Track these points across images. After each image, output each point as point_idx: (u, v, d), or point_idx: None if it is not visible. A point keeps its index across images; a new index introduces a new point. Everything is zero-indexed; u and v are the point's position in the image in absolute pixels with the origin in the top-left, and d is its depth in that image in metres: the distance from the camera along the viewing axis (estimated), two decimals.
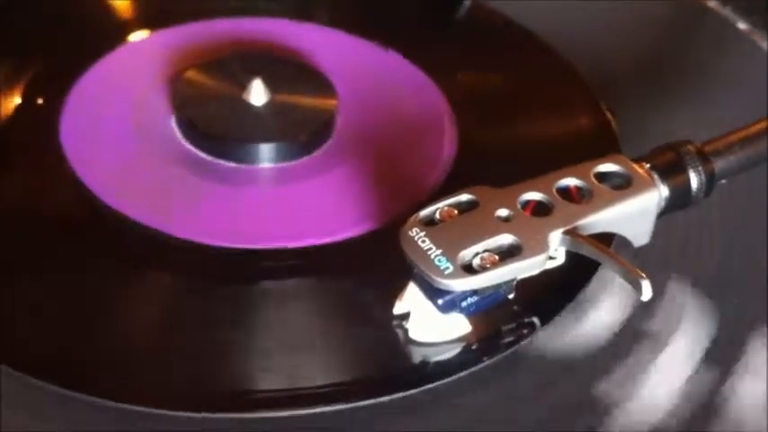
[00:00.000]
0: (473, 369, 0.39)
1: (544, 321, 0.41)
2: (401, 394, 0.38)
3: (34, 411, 0.37)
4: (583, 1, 0.57)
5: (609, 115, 0.50)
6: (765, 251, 0.45)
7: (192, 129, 0.47)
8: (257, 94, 0.47)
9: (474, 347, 0.39)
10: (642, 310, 0.41)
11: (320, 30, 0.54)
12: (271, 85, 0.47)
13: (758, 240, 0.45)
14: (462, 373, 0.39)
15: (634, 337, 0.41)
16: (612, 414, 0.39)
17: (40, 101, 0.48)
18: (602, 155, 0.41)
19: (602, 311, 0.42)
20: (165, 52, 0.51)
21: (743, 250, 0.45)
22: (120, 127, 0.47)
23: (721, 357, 0.41)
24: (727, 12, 0.57)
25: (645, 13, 0.57)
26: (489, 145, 0.48)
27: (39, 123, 0.47)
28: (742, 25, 0.57)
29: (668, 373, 0.40)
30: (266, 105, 0.47)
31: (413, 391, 0.38)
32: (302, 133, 0.47)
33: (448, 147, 0.48)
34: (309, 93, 0.48)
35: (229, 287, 0.42)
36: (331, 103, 0.48)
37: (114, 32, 0.52)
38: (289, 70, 0.49)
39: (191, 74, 0.48)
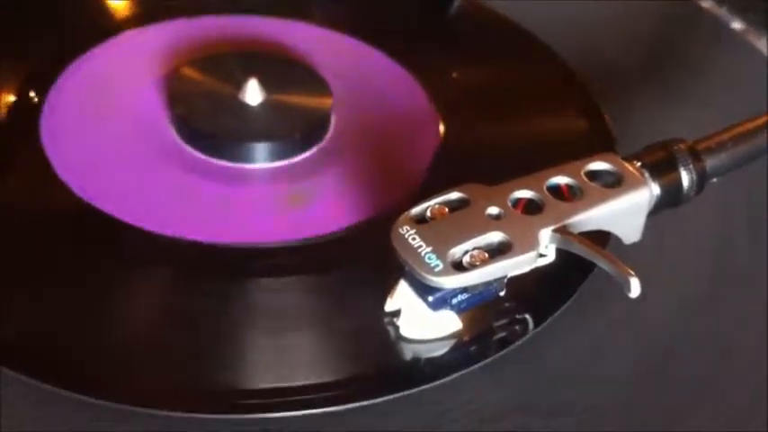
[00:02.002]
0: (466, 370, 0.39)
1: (538, 320, 0.41)
2: (394, 395, 0.38)
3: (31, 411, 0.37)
4: (578, 0, 0.57)
5: (604, 114, 0.50)
6: (765, 252, 0.45)
7: (188, 127, 0.47)
8: (253, 93, 0.47)
9: (467, 346, 0.40)
10: (636, 308, 0.41)
11: (313, 29, 0.54)
12: (266, 84, 0.47)
13: (758, 240, 0.45)
14: (455, 374, 0.39)
15: (631, 338, 0.41)
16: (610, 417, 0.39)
17: (21, 98, 0.48)
18: (597, 152, 0.41)
19: (598, 310, 0.42)
20: (155, 48, 0.51)
21: (741, 249, 0.45)
22: (108, 125, 0.48)
23: (721, 358, 0.41)
24: (722, 11, 0.57)
25: (640, 11, 0.58)
26: (483, 143, 0.48)
27: (19, 122, 0.47)
28: (737, 25, 0.57)
29: (665, 374, 0.40)
30: (262, 104, 0.47)
31: (405, 393, 0.38)
32: (297, 132, 0.47)
33: (441, 145, 0.48)
34: (305, 92, 0.49)
35: (225, 285, 0.42)
36: (326, 102, 0.48)
37: (102, 28, 0.52)
38: (284, 69, 0.49)
39: (186, 71, 0.48)
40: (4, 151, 0.46)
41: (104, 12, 0.55)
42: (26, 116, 0.47)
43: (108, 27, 0.53)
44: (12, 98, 0.48)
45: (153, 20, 0.53)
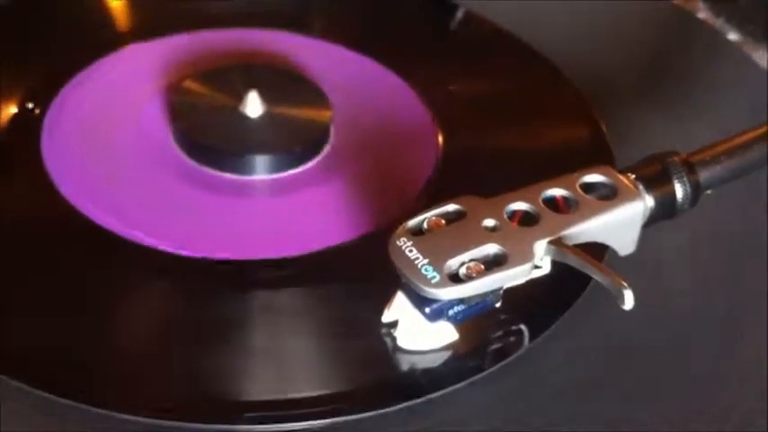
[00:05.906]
0: (463, 382, 0.39)
1: (535, 331, 0.41)
2: (391, 407, 0.38)
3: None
4: (575, 11, 0.57)
5: (601, 126, 0.50)
6: (765, 252, 0.45)
7: (188, 140, 0.47)
8: (253, 105, 0.47)
9: (464, 357, 0.40)
10: (634, 321, 0.41)
11: (313, 41, 0.54)
12: (266, 96, 0.48)
13: (755, 251, 0.46)
14: (452, 386, 0.39)
15: (628, 347, 0.42)
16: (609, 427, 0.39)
17: (22, 111, 0.48)
18: (593, 164, 0.41)
19: (595, 321, 0.42)
20: (156, 62, 0.52)
21: (738, 260, 0.46)
22: (110, 138, 0.48)
23: (721, 360, 0.41)
24: (720, 23, 0.57)
25: (638, 23, 0.58)
26: (481, 155, 0.49)
27: (20, 135, 0.47)
28: (735, 36, 0.57)
29: (665, 385, 0.41)
30: (262, 117, 0.47)
31: (403, 405, 0.38)
32: (298, 145, 0.47)
33: (438, 157, 0.48)
34: (305, 104, 0.49)
35: (224, 298, 0.42)
36: (326, 114, 0.48)
37: (103, 42, 0.53)
38: (284, 82, 0.50)
39: (187, 84, 0.49)
40: (4, 164, 0.46)
41: (106, 26, 0.55)
42: (27, 129, 0.48)
43: (109, 41, 0.53)
44: (13, 111, 0.49)
45: (154, 34, 0.53)
